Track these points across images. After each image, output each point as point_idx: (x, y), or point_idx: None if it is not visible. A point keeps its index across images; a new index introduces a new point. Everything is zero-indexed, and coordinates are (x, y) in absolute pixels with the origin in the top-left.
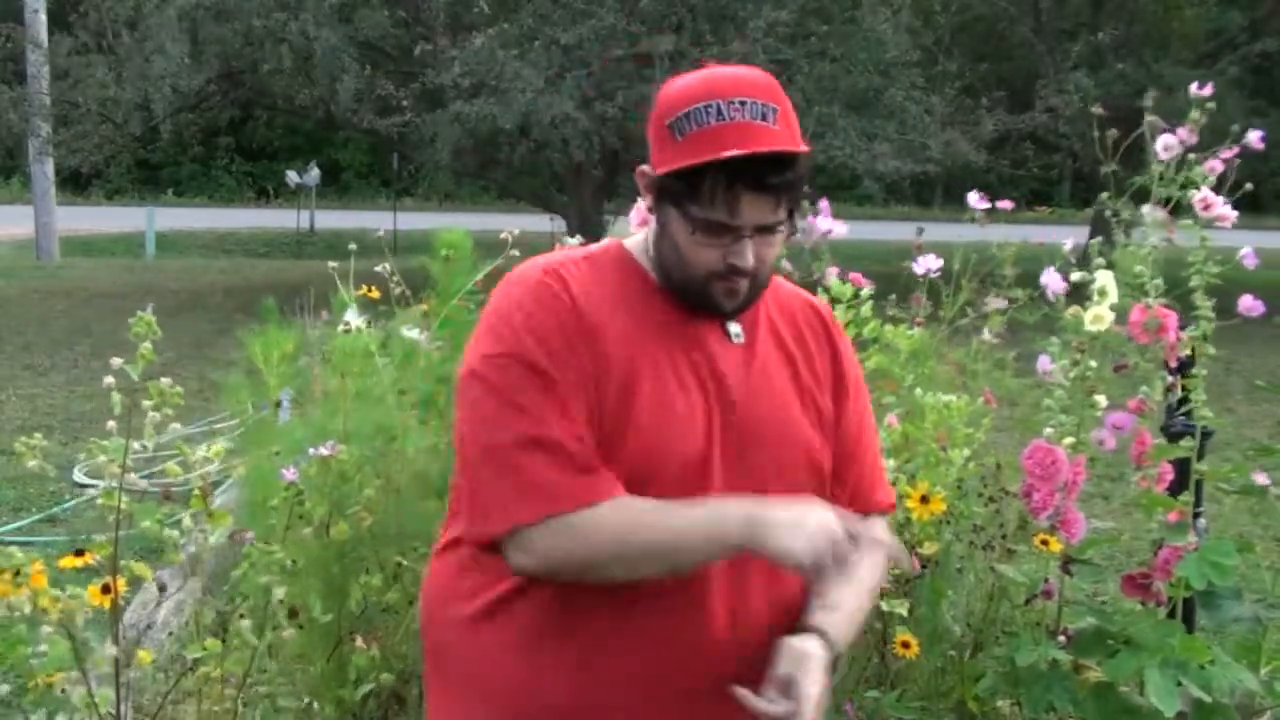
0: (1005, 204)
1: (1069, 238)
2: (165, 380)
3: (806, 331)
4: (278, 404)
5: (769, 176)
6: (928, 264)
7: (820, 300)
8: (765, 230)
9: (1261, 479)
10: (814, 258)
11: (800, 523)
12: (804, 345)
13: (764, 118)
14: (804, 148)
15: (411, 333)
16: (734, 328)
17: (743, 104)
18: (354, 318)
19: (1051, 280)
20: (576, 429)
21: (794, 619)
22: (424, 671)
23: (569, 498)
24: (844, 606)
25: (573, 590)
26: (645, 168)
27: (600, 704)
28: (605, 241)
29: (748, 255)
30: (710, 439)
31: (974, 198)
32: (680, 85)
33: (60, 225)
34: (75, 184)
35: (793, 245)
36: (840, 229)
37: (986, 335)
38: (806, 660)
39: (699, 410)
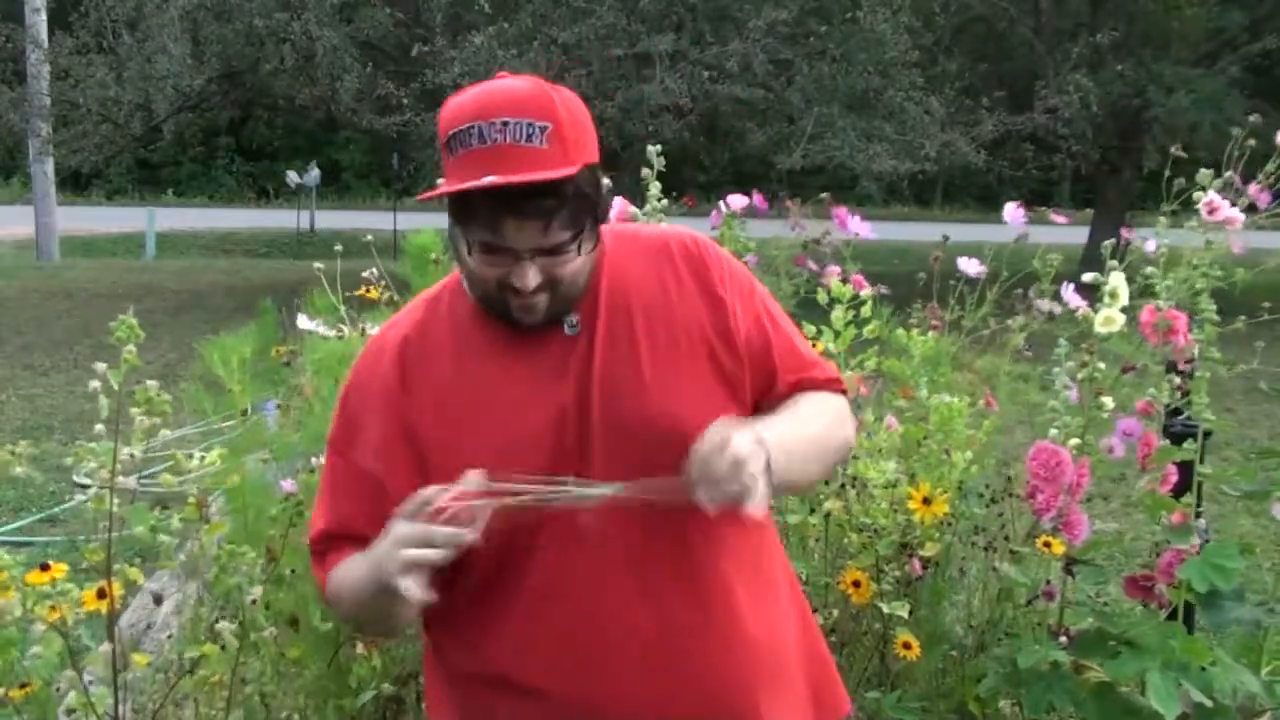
0: (1060, 219)
1: (1076, 238)
2: (152, 383)
3: (667, 273)
4: (244, 412)
5: (525, 203)
6: (972, 267)
7: (680, 234)
8: (550, 252)
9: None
10: (830, 259)
11: (382, 551)
12: (664, 290)
13: (528, 138)
14: (569, 170)
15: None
16: (569, 318)
17: (505, 124)
18: (308, 323)
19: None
20: (342, 513)
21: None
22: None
23: (320, 586)
24: (773, 421)
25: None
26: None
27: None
28: (452, 274)
29: (527, 277)
30: (565, 443)
31: (1013, 210)
32: (457, 100)
33: (60, 225)
34: (75, 184)
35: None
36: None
37: (1020, 342)
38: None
39: (546, 419)
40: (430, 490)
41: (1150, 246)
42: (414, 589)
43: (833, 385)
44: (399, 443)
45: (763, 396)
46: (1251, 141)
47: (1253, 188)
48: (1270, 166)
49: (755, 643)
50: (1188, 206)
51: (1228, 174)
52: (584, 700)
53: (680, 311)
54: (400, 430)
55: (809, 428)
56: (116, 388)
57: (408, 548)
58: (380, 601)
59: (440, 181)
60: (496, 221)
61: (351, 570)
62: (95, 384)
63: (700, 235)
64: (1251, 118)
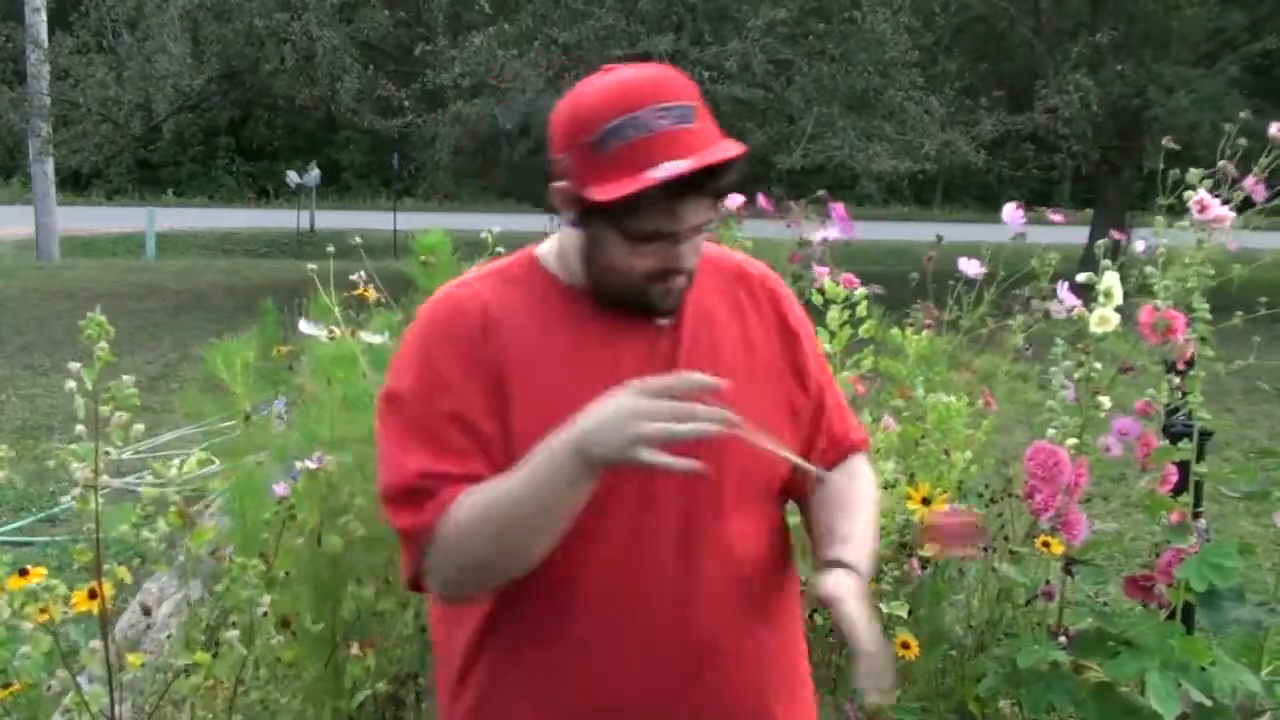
0: (1057, 218)
1: (1075, 238)
2: (128, 378)
3: (744, 298)
4: (247, 416)
5: (713, 182)
6: (971, 268)
7: (750, 260)
8: (698, 230)
9: None
10: (809, 261)
11: (608, 420)
12: (741, 313)
13: (688, 119)
14: (733, 144)
15: (375, 338)
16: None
17: (667, 110)
18: (310, 328)
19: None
20: (434, 463)
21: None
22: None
23: (423, 530)
24: (854, 534)
25: (520, 626)
26: (566, 185)
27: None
28: (518, 252)
29: (687, 258)
30: None
31: (1011, 211)
32: (592, 97)
33: (60, 225)
34: (75, 184)
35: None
36: (837, 232)
37: (1019, 341)
38: (839, 589)
39: None
40: (676, 379)
41: (1140, 247)
42: (656, 456)
43: (866, 446)
44: (488, 395)
45: (812, 433)
46: (1242, 141)
47: (1249, 180)
48: (1264, 160)
49: (774, 652)
50: (1183, 204)
51: (1221, 163)
52: (612, 690)
53: (757, 334)
54: (490, 385)
55: (871, 526)
56: (91, 387)
57: (653, 421)
58: (559, 496)
59: (561, 185)
60: (676, 205)
61: (510, 477)
62: (70, 383)
63: (768, 268)
64: (1242, 114)
